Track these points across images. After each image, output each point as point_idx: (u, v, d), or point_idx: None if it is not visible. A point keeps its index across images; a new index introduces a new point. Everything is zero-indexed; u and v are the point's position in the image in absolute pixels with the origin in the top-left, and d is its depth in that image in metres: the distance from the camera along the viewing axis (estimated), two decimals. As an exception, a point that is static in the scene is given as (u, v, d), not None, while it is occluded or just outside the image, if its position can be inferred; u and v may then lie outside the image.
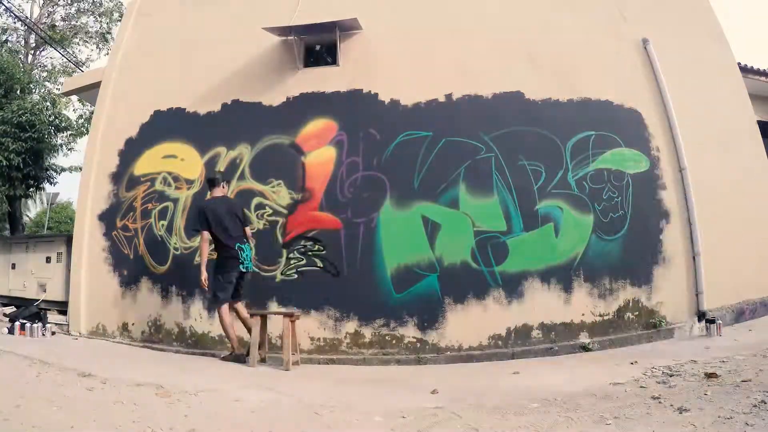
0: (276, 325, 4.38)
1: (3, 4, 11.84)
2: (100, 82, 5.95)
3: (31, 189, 10.09)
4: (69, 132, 10.94)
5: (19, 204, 11.45)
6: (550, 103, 4.83)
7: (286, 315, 4.11)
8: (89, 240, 5.41)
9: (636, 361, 3.54)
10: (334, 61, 5.20)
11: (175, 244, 5.08)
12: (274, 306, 4.68)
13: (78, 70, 13.45)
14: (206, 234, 4.27)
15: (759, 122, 5.70)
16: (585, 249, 4.56)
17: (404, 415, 2.69)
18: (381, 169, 4.76)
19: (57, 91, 12.55)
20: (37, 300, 6.26)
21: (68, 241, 6.17)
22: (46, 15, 14.48)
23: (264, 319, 4.27)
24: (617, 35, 5.15)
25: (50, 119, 9.87)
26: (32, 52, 14.20)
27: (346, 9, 4.95)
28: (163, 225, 5.15)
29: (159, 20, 6.00)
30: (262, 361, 4.26)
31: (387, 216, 4.65)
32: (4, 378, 3.20)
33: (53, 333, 5.13)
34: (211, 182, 4.51)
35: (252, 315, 4.23)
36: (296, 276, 4.67)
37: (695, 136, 4.95)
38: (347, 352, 4.48)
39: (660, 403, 2.53)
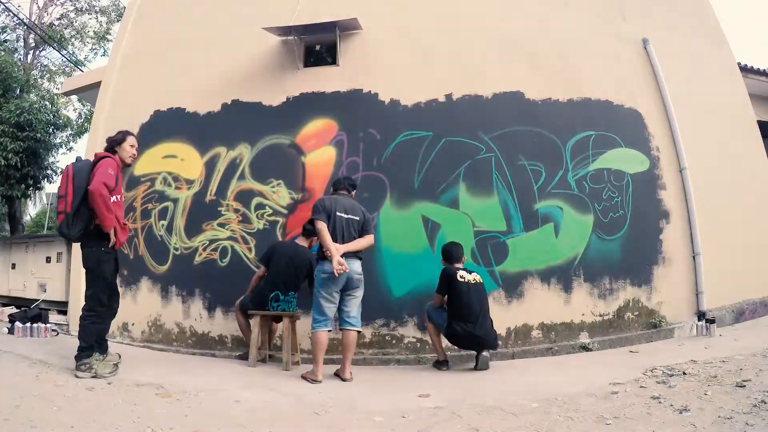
0: (276, 325, 4.38)
1: (2, 3, 11.83)
2: (100, 82, 5.95)
3: (30, 189, 10.10)
4: (68, 131, 10.95)
5: (19, 204, 11.46)
6: (550, 103, 4.83)
7: (286, 315, 4.11)
8: (89, 240, 5.41)
9: (636, 361, 3.55)
10: (334, 61, 5.20)
11: (175, 244, 5.08)
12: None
13: (77, 70, 13.47)
14: (260, 270, 4.34)
15: (759, 122, 5.71)
16: (585, 249, 4.56)
17: (404, 415, 2.69)
18: (381, 169, 4.76)
19: (56, 91, 12.55)
20: (37, 300, 6.26)
21: (68, 241, 6.16)
22: (46, 14, 14.48)
23: (264, 319, 4.27)
24: (617, 35, 5.16)
25: (49, 118, 9.87)
26: (31, 51, 14.21)
27: (346, 9, 4.95)
28: (163, 225, 5.15)
29: (159, 20, 6.00)
30: (263, 361, 4.27)
31: (387, 216, 4.65)
32: (4, 378, 3.20)
33: (54, 333, 5.13)
34: (305, 231, 4.32)
35: (252, 315, 4.23)
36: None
37: (695, 136, 4.96)
38: (347, 352, 4.47)
39: (660, 403, 2.53)
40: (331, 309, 3.59)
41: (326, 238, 3.48)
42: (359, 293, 3.70)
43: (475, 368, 3.80)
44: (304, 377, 3.56)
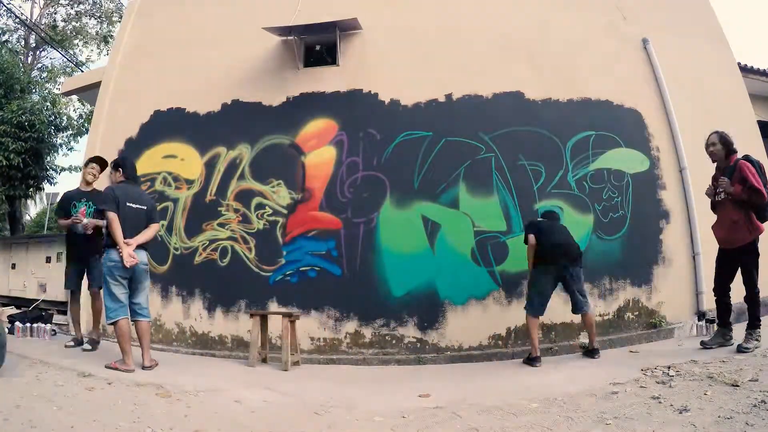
0: (276, 325, 4.38)
1: (3, 4, 11.84)
2: (100, 82, 5.96)
3: (31, 189, 10.11)
4: (69, 132, 10.96)
5: (19, 204, 11.46)
6: (550, 103, 4.83)
7: (285, 315, 4.10)
8: (89, 240, 5.41)
9: (636, 361, 3.54)
10: (334, 61, 5.20)
11: (175, 244, 5.08)
12: (274, 306, 4.68)
13: (78, 71, 13.48)
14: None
15: (759, 122, 5.70)
16: (585, 249, 4.54)
17: (404, 415, 2.69)
18: (381, 169, 4.76)
19: (57, 91, 12.56)
20: (37, 300, 6.26)
21: (68, 241, 6.16)
22: (47, 15, 14.50)
23: (264, 319, 4.27)
24: (617, 35, 5.16)
25: (50, 119, 9.88)
26: (32, 52, 14.23)
27: (346, 9, 4.96)
28: (163, 225, 5.14)
29: (159, 20, 6.00)
30: (263, 361, 4.27)
31: (387, 216, 4.65)
32: (3, 378, 3.20)
33: (53, 333, 5.13)
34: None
35: (252, 315, 4.22)
36: (296, 276, 4.67)
37: (695, 136, 4.93)
38: (347, 352, 4.48)
39: (660, 403, 2.53)
40: (124, 295, 3.63)
41: (117, 230, 3.51)
42: (147, 284, 3.82)
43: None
44: (114, 368, 3.51)
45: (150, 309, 4.98)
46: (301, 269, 4.69)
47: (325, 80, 5.11)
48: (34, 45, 14.13)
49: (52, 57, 14.61)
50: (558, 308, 4.45)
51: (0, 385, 2.97)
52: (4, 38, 12.93)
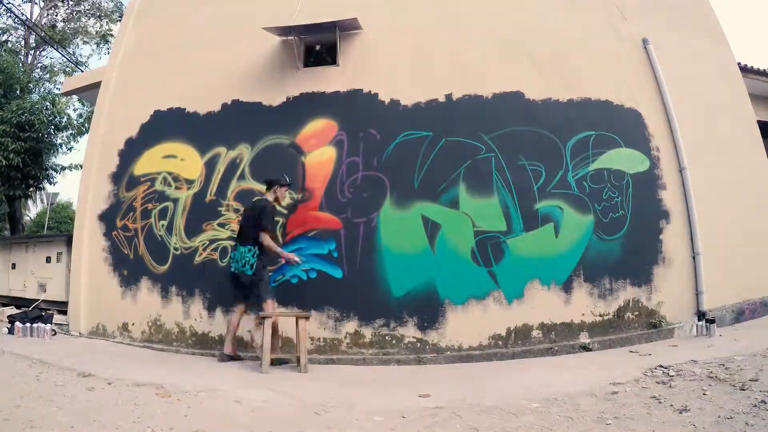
0: (284, 326, 4.37)
1: (3, 4, 11.84)
2: (100, 82, 5.96)
3: (31, 189, 10.11)
4: (69, 131, 10.96)
5: (19, 204, 11.46)
6: (550, 103, 4.83)
7: (301, 317, 4.08)
8: (89, 240, 5.41)
9: (636, 361, 3.55)
10: (334, 61, 5.20)
11: (175, 244, 5.08)
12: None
13: (78, 70, 13.48)
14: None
15: (759, 122, 5.71)
16: (585, 249, 4.55)
17: (404, 415, 2.69)
18: (381, 169, 4.76)
19: (57, 91, 12.57)
20: (37, 300, 6.27)
21: (68, 241, 6.18)
22: (46, 15, 14.50)
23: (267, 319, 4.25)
24: (617, 35, 5.16)
25: (50, 119, 9.88)
26: (32, 51, 14.22)
27: (346, 9, 4.95)
28: (163, 225, 5.15)
29: (159, 20, 6.00)
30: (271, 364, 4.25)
31: (387, 216, 4.65)
32: (4, 378, 3.20)
33: (53, 333, 5.13)
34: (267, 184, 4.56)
35: (263, 318, 4.12)
36: (296, 276, 4.66)
37: (695, 136, 4.96)
38: (347, 352, 4.48)
39: (660, 403, 2.53)
40: None
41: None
42: None
43: None
44: None
45: (149, 308, 5.06)
46: (301, 269, 4.69)
47: (325, 80, 5.11)
48: (34, 45, 14.12)
49: (52, 57, 14.61)
50: (558, 308, 4.45)
51: (0, 385, 2.97)
52: (4, 38, 12.94)
